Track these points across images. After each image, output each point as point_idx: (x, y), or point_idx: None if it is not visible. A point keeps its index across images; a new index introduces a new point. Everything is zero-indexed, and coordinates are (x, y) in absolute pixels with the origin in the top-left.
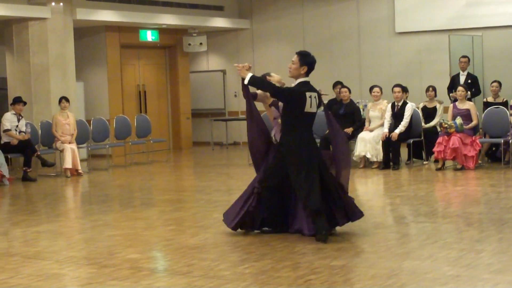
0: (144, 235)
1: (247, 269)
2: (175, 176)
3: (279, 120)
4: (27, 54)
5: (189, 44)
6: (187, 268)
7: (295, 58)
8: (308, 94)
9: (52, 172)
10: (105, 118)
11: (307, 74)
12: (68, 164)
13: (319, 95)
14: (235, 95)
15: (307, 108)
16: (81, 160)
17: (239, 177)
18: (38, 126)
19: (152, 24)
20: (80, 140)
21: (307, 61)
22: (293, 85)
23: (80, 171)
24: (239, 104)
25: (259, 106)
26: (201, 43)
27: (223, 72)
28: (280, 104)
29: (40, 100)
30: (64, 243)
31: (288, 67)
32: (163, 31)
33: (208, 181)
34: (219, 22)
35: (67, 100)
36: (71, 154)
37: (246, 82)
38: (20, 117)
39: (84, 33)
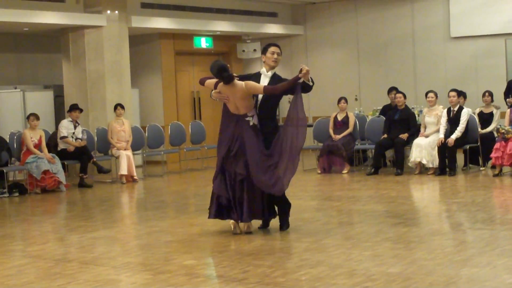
0: (200, 241)
1: (303, 276)
2: None
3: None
4: (83, 61)
5: (243, 51)
6: (243, 275)
7: (278, 50)
8: None
9: (108, 179)
10: (160, 125)
11: None
12: (123, 170)
13: None
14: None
15: None
16: (137, 167)
17: (294, 183)
18: (94, 132)
19: (206, 31)
20: (135, 146)
21: None
22: (268, 74)
23: (135, 177)
24: None
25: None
26: (254, 50)
27: None
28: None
29: (96, 107)
30: (120, 249)
31: (276, 59)
32: (217, 37)
33: None
34: (273, 28)
35: (122, 107)
36: (126, 161)
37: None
38: (77, 124)
39: (139, 41)
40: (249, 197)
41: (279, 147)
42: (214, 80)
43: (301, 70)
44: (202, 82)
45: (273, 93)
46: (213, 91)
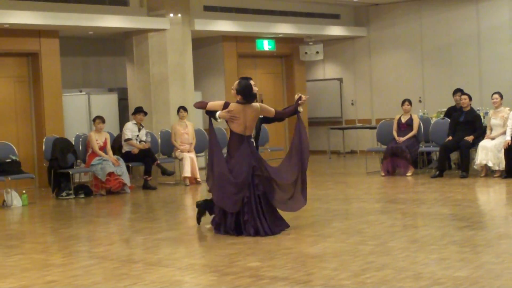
0: (264, 244)
1: (368, 279)
2: None
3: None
4: (147, 64)
5: (306, 53)
6: (308, 277)
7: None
8: None
9: (171, 181)
10: (224, 127)
11: None
12: (187, 172)
13: None
14: (352, 103)
15: None
16: (200, 169)
17: (357, 186)
18: (158, 135)
19: (269, 33)
20: (198, 149)
21: None
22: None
23: (198, 179)
24: (356, 112)
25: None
26: (317, 52)
27: (340, 80)
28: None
29: (159, 110)
30: (185, 250)
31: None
32: (279, 40)
33: (326, 190)
34: (336, 30)
35: (185, 109)
36: (190, 163)
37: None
38: (141, 127)
39: (202, 43)
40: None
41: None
42: (219, 102)
43: (300, 97)
44: (203, 106)
45: (281, 118)
46: (222, 111)
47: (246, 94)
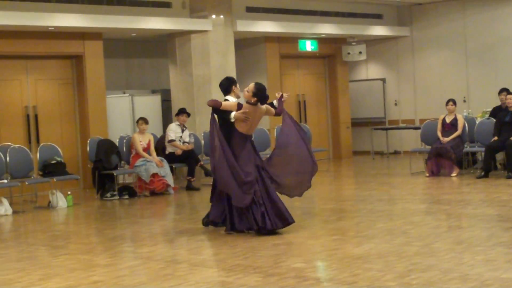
0: (308, 244)
1: (414, 280)
2: (336, 186)
3: None
4: (189, 66)
5: (348, 53)
6: (352, 278)
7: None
8: None
9: None
10: (266, 128)
11: (223, 93)
12: None
13: None
14: (395, 104)
15: None
16: None
17: (401, 186)
18: (201, 136)
19: (311, 34)
20: None
21: None
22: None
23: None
24: (400, 113)
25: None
26: (360, 52)
27: (383, 80)
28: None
29: (202, 111)
30: (229, 251)
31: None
32: (322, 40)
33: (370, 191)
34: (378, 30)
35: None
36: None
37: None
38: (184, 128)
39: (244, 44)
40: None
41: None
42: (233, 103)
43: (282, 96)
44: (217, 105)
45: (277, 116)
46: (238, 112)
47: (262, 96)
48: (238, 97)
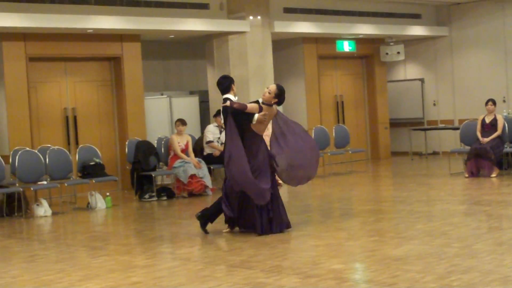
0: (347, 246)
1: (454, 282)
2: (375, 186)
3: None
4: (227, 67)
5: (386, 53)
6: (392, 280)
7: None
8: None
9: None
10: (325, 127)
11: (221, 92)
12: None
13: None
14: (434, 104)
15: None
16: None
17: (440, 187)
18: None
19: (349, 34)
20: None
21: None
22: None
23: (279, 181)
24: (439, 113)
25: None
26: (398, 52)
27: (421, 80)
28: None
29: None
30: (268, 252)
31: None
32: (360, 41)
33: (409, 192)
34: (417, 30)
35: None
36: None
37: None
38: (222, 129)
39: (282, 45)
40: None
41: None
42: (255, 105)
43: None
44: (243, 108)
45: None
46: (260, 114)
47: (282, 98)
48: (235, 95)
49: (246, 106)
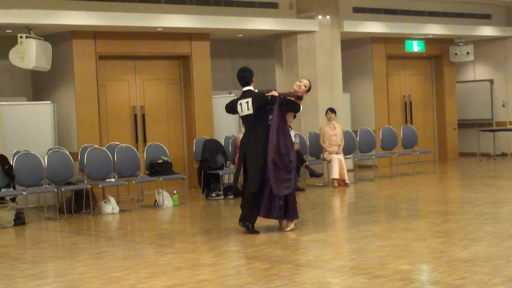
0: (414, 247)
1: None
2: (442, 187)
3: None
4: (296, 66)
5: (456, 54)
6: (460, 282)
7: None
8: (239, 101)
9: (319, 182)
10: (371, 129)
11: (243, 85)
12: (335, 174)
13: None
14: (503, 105)
15: (240, 113)
16: (348, 171)
17: (509, 189)
18: (307, 137)
19: (418, 34)
20: (347, 150)
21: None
22: None
23: (347, 181)
24: (508, 114)
25: None
26: (468, 53)
27: (491, 81)
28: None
29: (308, 112)
30: (334, 252)
31: None
32: (429, 41)
33: (477, 193)
34: (487, 30)
35: (332, 111)
36: (338, 165)
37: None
38: (290, 128)
39: (350, 45)
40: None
41: None
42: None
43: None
44: (295, 94)
45: None
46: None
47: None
48: (255, 88)
49: (295, 93)
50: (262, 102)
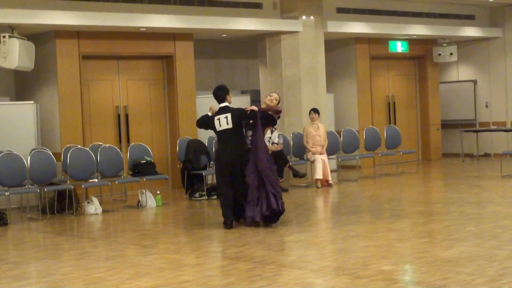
0: (397, 247)
1: (505, 285)
2: (425, 188)
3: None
4: (279, 66)
5: (439, 54)
6: (443, 282)
7: None
8: (216, 117)
9: (303, 183)
10: (355, 129)
11: (219, 102)
12: (318, 175)
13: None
14: (486, 106)
15: (218, 128)
16: (332, 171)
17: (492, 189)
18: (290, 137)
19: (402, 34)
20: (330, 151)
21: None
22: None
23: (330, 181)
24: (491, 115)
25: None
26: (451, 53)
27: (474, 82)
28: None
29: (291, 112)
30: (317, 252)
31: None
32: (412, 41)
33: (460, 193)
34: (470, 31)
35: (315, 111)
36: (321, 165)
37: None
38: (274, 129)
39: (334, 45)
40: None
41: None
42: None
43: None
44: (269, 108)
45: None
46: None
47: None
48: (230, 103)
49: (275, 108)
50: (242, 117)
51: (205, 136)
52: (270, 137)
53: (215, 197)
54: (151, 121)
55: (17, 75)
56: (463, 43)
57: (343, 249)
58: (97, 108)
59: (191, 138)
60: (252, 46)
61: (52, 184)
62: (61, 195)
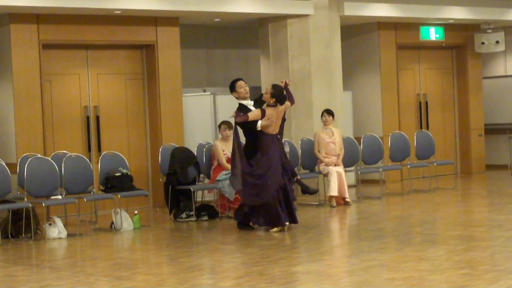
0: (431, 280)
1: None
2: (465, 207)
3: None
4: (285, 58)
5: (482, 43)
6: None
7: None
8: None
9: (314, 201)
10: (378, 136)
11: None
12: (333, 191)
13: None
14: None
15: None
16: (349, 187)
17: None
18: (298, 145)
19: (436, 19)
20: (347, 162)
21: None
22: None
23: (347, 199)
24: None
25: None
26: (497, 42)
27: None
28: None
29: (300, 114)
30: (331, 286)
31: (247, 91)
32: (449, 27)
33: (507, 214)
34: None
35: (329, 113)
36: (337, 179)
37: None
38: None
39: (353, 32)
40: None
41: None
42: (258, 111)
43: (286, 83)
44: (245, 119)
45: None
46: (263, 120)
47: (280, 96)
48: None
49: (247, 117)
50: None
51: (194, 143)
52: None
53: (205, 217)
54: (127, 125)
55: None
56: (511, 29)
57: (363, 282)
58: (61, 109)
59: (177, 145)
60: (252, 33)
61: (5, 201)
62: (16, 216)
